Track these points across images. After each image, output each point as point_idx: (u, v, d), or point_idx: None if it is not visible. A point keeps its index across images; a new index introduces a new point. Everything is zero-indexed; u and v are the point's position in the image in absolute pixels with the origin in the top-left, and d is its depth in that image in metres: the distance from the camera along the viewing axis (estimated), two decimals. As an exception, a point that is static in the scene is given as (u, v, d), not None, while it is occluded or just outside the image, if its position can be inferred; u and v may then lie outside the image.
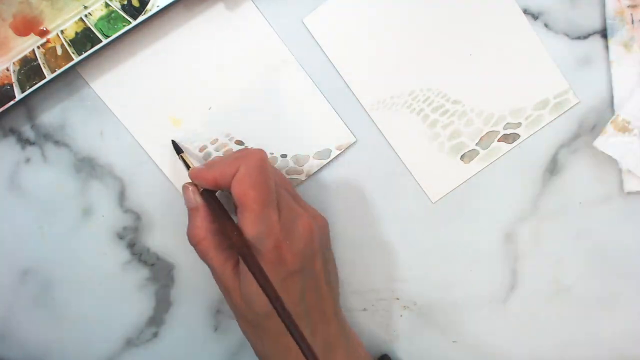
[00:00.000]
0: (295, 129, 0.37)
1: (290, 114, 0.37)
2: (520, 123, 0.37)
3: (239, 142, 0.37)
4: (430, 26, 0.36)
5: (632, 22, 0.35)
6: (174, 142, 0.37)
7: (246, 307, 0.31)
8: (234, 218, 0.31)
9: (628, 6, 0.35)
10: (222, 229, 0.31)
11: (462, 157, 0.38)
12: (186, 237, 0.37)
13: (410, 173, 0.38)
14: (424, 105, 0.37)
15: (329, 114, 0.37)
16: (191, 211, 0.33)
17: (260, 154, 0.31)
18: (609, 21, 0.35)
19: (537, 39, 0.36)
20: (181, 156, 0.36)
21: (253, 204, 0.29)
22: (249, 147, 0.38)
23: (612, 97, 0.36)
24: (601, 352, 0.40)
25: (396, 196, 0.39)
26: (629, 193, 0.37)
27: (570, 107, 0.37)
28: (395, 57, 0.36)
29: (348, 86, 0.37)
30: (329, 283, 0.34)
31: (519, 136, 0.37)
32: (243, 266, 0.31)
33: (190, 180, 0.33)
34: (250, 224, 0.29)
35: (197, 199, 0.32)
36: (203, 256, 0.32)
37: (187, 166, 0.35)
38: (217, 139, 0.37)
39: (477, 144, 0.38)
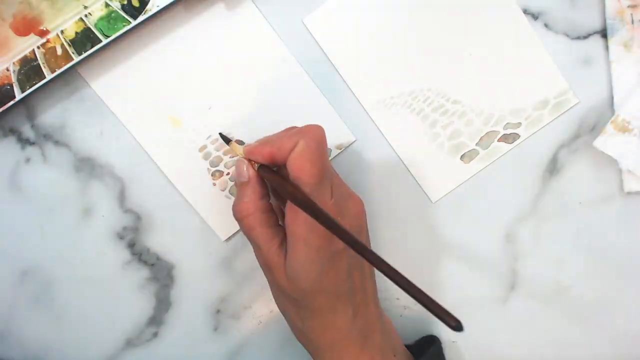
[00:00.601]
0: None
1: (290, 113, 0.37)
2: (520, 123, 0.37)
3: (239, 142, 0.37)
4: (430, 26, 0.36)
5: (632, 22, 0.35)
6: (221, 135, 0.37)
7: (291, 284, 0.31)
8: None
9: (628, 6, 0.35)
10: (281, 189, 0.30)
11: (462, 157, 0.38)
12: (186, 237, 0.38)
13: (410, 173, 0.38)
14: (424, 105, 0.37)
15: (329, 113, 0.37)
16: (241, 186, 0.32)
17: (320, 130, 0.30)
18: (609, 21, 0.35)
19: (537, 38, 0.36)
20: (231, 144, 0.36)
21: (310, 179, 0.29)
22: None
23: (612, 97, 0.36)
24: (601, 352, 0.40)
25: (396, 196, 0.39)
26: (629, 193, 0.37)
27: (570, 107, 0.37)
28: (395, 57, 0.36)
29: (348, 86, 0.37)
30: (371, 266, 0.34)
31: (519, 136, 0.37)
32: (289, 243, 0.30)
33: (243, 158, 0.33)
34: None
35: (250, 172, 0.32)
36: (248, 231, 0.32)
37: (234, 149, 0.34)
38: (217, 139, 0.37)
39: (477, 144, 0.38)
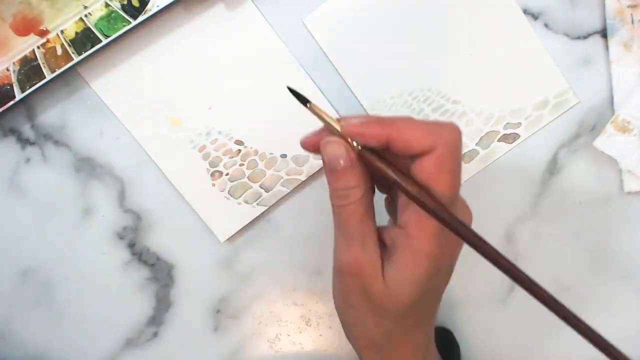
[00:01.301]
0: (294, 129, 0.37)
1: (290, 113, 0.37)
2: (520, 123, 0.37)
3: (239, 142, 0.37)
4: (430, 26, 0.36)
5: (632, 22, 0.35)
6: (291, 90, 0.27)
7: (388, 293, 0.26)
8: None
9: (628, 6, 0.35)
10: (394, 182, 0.25)
11: (462, 158, 0.38)
12: (186, 237, 0.37)
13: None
14: (424, 105, 0.37)
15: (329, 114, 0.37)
16: (341, 172, 0.26)
17: (459, 134, 0.26)
18: (609, 21, 0.35)
19: (537, 38, 0.36)
20: (310, 106, 0.26)
21: (448, 192, 0.25)
22: (249, 146, 0.37)
23: (612, 97, 0.36)
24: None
25: (396, 196, 0.39)
26: (629, 193, 0.37)
27: (570, 107, 0.37)
28: (395, 57, 0.36)
29: (348, 86, 0.37)
30: None
31: (519, 136, 0.37)
32: (403, 253, 0.26)
33: (331, 137, 0.26)
34: None
35: (352, 156, 0.25)
36: (346, 219, 0.27)
37: (320, 118, 0.26)
38: (216, 139, 0.37)
39: (477, 144, 0.38)
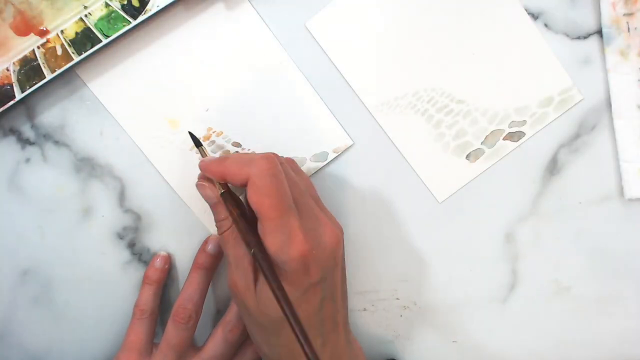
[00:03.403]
0: (292, 132, 0.37)
1: (288, 116, 0.37)
2: (525, 121, 0.37)
3: (236, 144, 0.37)
4: (433, 26, 0.36)
5: (629, 30, 0.35)
6: (191, 134, 0.35)
7: (260, 310, 0.31)
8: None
9: (624, 14, 0.35)
10: (243, 238, 0.31)
11: (467, 157, 0.38)
12: (186, 237, 0.38)
13: (416, 174, 0.38)
14: (428, 106, 0.37)
15: (326, 116, 0.37)
16: (213, 207, 0.33)
17: (269, 162, 0.30)
18: (605, 29, 0.35)
19: (540, 36, 0.36)
20: (200, 149, 0.35)
21: (270, 212, 0.29)
22: (247, 149, 0.38)
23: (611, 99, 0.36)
24: (601, 352, 0.40)
25: (402, 197, 0.39)
26: (629, 200, 0.37)
27: (575, 104, 0.37)
28: (398, 58, 0.36)
29: (352, 88, 0.37)
30: (344, 293, 0.34)
31: (524, 134, 0.37)
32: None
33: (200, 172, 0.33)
34: (270, 233, 0.29)
35: (216, 195, 0.32)
36: (223, 246, 0.33)
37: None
38: (214, 141, 0.37)
39: (482, 143, 0.38)
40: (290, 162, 0.35)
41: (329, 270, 0.31)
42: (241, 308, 0.33)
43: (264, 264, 0.30)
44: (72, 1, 0.34)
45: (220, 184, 0.32)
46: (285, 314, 0.28)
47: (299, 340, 0.28)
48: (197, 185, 0.33)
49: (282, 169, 0.31)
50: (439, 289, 0.40)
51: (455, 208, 0.39)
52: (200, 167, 0.33)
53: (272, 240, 0.29)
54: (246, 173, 0.30)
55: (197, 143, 0.35)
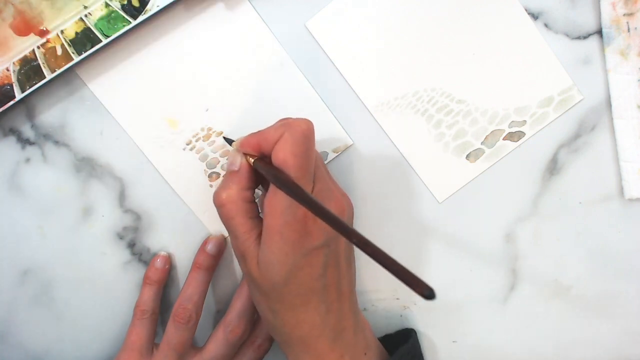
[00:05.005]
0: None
1: (287, 116, 0.37)
2: (525, 121, 0.37)
3: (239, 142, 0.37)
4: (433, 26, 0.36)
5: (629, 30, 0.35)
6: (225, 138, 0.36)
7: (262, 276, 0.31)
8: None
9: (624, 14, 0.35)
10: (267, 175, 0.30)
11: (467, 157, 0.38)
12: (186, 237, 0.38)
13: (417, 174, 0.38)
14: (429, 106, 0.37)
15: (325, 116, 0.37)
16: (229, 174, 0.32)
17: (307, 124, 0.30)
18: (605, 30, 0.35)
19: (540, 36, 0.36)
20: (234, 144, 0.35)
21: (292, 171, 0.29)
22: None
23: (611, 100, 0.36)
24: (601, 352, 0.40)
25: (402, 197, 0.39)
26: (630, 200, 0.37)
27: (575, 104, 0.37)
28: (398, 58, 0.36)
29: (352, 88, 0.37)
30: (349, 262, 0.34)
31: (524, 134, 0.37)
32: (265, 234, 0.30)
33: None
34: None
35: (242, 162, 0.32)
36: (227, 219, 0.32)
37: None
38: (214, 141, 0.37)
39: (482, 143, 0.38)
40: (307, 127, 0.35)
41: (332, 237, 0.31)
42: (248, 279, 0.33)
43: (280, 173, 0.29)
44: (72, 1, 0.34)
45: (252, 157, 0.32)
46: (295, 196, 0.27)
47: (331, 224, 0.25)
48: (231, 153, 0.33)
49: None
50: (439, 289, 0.40)
51: (455, 208, 0.39)
52: (238, 144, 0.32)
53: (283, 198, 0.29)
54: (282, 132, 0.30)
55: (230, 142, 0.35)
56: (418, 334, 0.40)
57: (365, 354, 0.34)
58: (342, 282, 0.33)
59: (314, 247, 0.30)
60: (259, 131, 0.32)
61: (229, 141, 0.36)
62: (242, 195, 0.32)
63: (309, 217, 0.30)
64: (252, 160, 0.32)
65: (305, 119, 0.31)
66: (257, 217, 0.33)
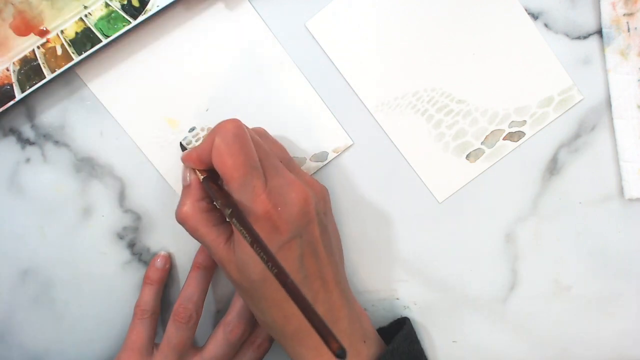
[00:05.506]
0: (292, 132, 0.37)
1: (288, 116, 0.37)
2: (525, 121, 0.37)
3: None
4: (433, 26, 0.36)
5: (629, 30, 0.35)
6: (181, 144, 0.37)
7: (242, 277, 0.31)
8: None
9: (624, 14, 0.35)
10: (214, 197, 0.31)
11: (467, 157, 0.38)
12: (186, 237, 0.37)
13: (416, 174, 0.38)
14: (428, 106, 0.37)
15: (326, 116, 0.37)
16: (183, 189, 0.33)
17: (233, 123, 0.31)
18: (605, 30, 0.35)
19: (540, 36, 0.36)
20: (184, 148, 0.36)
21: (233, 172, 0.29)
22: None
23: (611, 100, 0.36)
24: (601, 352, 0.40)
25: (402, 197, 0.39)
26: (630, 200, 0.37)
27: (575, 104, 0.37)
28: (398, 58, 0.36)
29: (352, 88, 0.37)
30: (330, 250, 0.33)
31: (524, 134, 0.37)
32: (236, 236, 0.31)
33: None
34: (234, 193, 0.30)
35: (190, 177, 0.33)
36: (193, 232, 0.33)
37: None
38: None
39: (482, 143, 0.38)
40: (257, 129, 0.35)
41: (302, 226, 0.31)
42: (232, 283, 0.34)
43: (236, 211, 0.29)
44: (72, 1, 0.34)
45: (200, 171, 0.33)
46: (266, 262, 0.27)
47: (284, 287, 0.26)
48: (182, 170, 0.34)
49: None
50: (439, 289, 0.40)
51: (455, 208, 0.39)
52: (181, 159, 0.34)
53: (237, 200, 0.29)
54: (212, 139, 0.30)
55: (184, 150, 0.36)
56: (418, 334, 0.40)
57: (364, 341, 0.34)
58: (324, 271, 0.32)
59: (284, 240, 0.30)
60: (198, 145, 0.33)
61: (183, 148, 0.37)
62: (198, 207, 0.32)
63: (271, 212, 0.30)
64: (202, 178, 0.33)
65: (232, 119, 0.31)
66: (222, 223, 0.33)
